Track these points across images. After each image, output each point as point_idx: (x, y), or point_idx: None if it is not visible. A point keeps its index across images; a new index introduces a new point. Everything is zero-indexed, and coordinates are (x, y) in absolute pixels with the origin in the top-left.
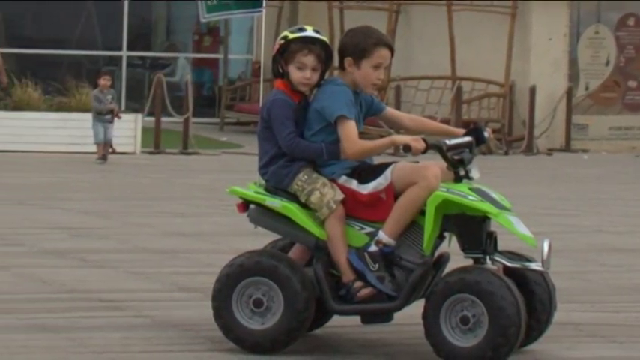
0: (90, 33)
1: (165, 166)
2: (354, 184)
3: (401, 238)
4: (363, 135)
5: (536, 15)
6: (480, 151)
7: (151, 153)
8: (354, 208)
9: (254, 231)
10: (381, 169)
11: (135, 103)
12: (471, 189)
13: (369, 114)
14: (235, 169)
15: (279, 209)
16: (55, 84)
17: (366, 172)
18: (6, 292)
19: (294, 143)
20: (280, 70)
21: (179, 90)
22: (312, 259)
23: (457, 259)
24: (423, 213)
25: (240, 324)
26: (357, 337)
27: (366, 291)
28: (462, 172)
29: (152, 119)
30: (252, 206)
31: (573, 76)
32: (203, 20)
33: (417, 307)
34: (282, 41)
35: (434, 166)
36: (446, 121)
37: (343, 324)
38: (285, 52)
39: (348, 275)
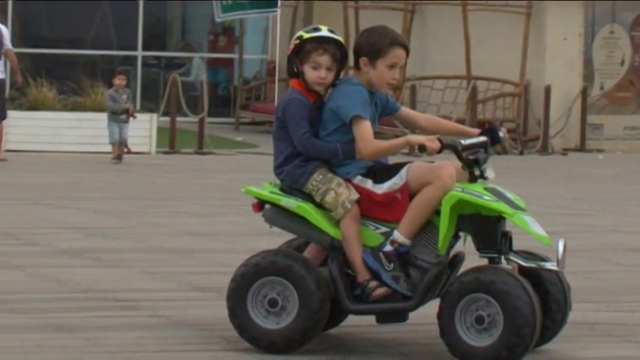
0: (105, 33)
1: (180, 166)
2: (369, 184)
3: (416, 237)
4: (378, 135)
5: (551, 15)
6: (495, 151)
7: (166, 153)
8: (369, 208)
9: (269, 231)
10: (396, 168)
11: (150, 103)
12: (486, 189)
13: (384, 114)
14: (250, 169)
15: (295, 209)
16: (70, 84)
17: (381, 171)
18: (21, 291)
19: (310, 143)
20: (295, 70)
21: (194, 90)
22: (327, 259)
23: (472, 258)
24: (438, 213)
25: (255, 324)
26: (372, 336)
27: (381, 291)
28: (477, 172)
29: (167, 119)
30: (267, 206)
31: (588, 75)
32: (218, 20)
33: (432, 307)
34: (298, 41)
35: (449, 165)
36: (461, 121)
37: (358, 324)
38: (301, 52)
39: (363, 275)
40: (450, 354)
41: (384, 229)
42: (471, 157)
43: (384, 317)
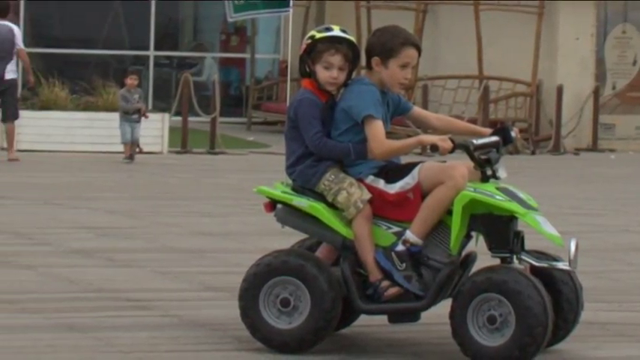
0: (117, 32)
1: (192, 166)
2: (381, 184)
3: (428, 237)
4: (390, 134)
5: (563, 15)
6: (507, 151)
7: (178, 152)
8: (382, 208)
9: (281, 230)
10: (409, 168)
11: (162, 103)
12: (498, 188)
13: (397, 113)
14: (262, 169)
15: (307, 209)
16: (82, 83)
17: (393, 171)
18: (33, 291)
19: (322, 143)
20: (307, 70)
21: (206, 89)
22: (340, 259)
23: (484, 258)
24: (450, 212)
25: (267, 323)
26: (384, 336)
27: (393, 290)
28: (489, 172)
29: (179, 119)
30: (279, 206)
31: (600, 75)
32: (230, 20)
33: (444, 307)
34: (310, 41)
35: (461, 165)
36: (473, 121)
37: (370, 323)
38: (313, 52)
39: (375, 275)
40: (462, 354)
41: (396, 229)
42: (483, 156)
43: (396, 317)
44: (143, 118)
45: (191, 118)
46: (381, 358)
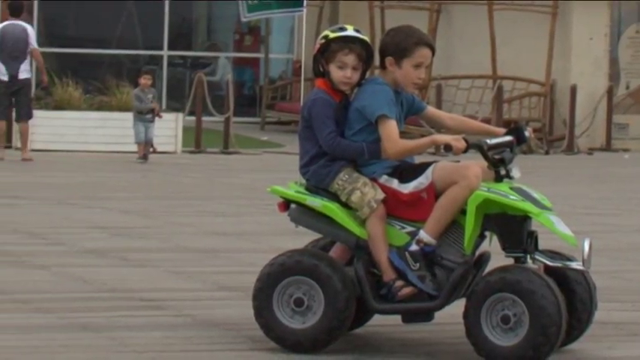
0: (131, 32)
1: (206, 166)
2: (394, 184)
3: (442, 237)
4: (403, 134)
5: (577, 14)
6: (521, 151)
7: (191, 152)
8: (395, 208)
9: (295, 230)
10: (422, 168)
11: (176, 103)
12: (511, 188)
13: (410, 113)
14: (276, 169)
15: (320, 208)
16: (95, 83)
17: (406, 171)
18: (47, 291)
19: (335, 142)
20: (321, 70)
21: (220, 89)
22: (353, 259)
23: (498, 258)
24: (463, 212)
25: (281, 323)
26: (397, 336)
27: (406, 290)
28: (502, 172)
29: (193, 118)
30: (293, 205)
31: (614, 75)
32: (244, 19)
33: (457, 307)
34: (323, 40)
35: (475, 165)
36: (487, 121)
37: (384, 323)
38: (326, 52)
39: (388, 274)
40: (475, 354)
41: (409, 229)
42: (496, 156)
43: (409, 317)
44: (157, 118)
45: (205, 118)
46: (394, 357)
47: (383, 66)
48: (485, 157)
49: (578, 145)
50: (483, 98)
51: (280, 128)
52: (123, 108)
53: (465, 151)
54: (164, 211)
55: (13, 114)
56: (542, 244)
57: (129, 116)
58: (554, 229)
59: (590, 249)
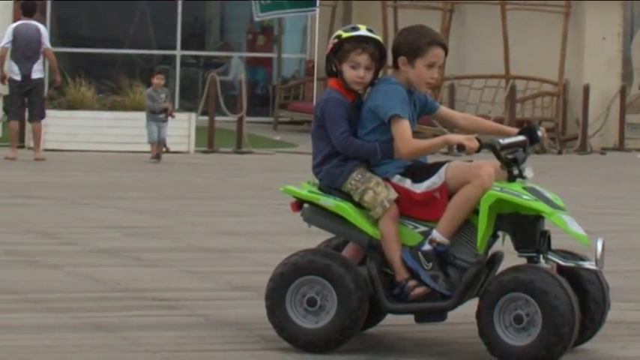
0: (144, 32)
1: (219, 165)
2: (407, 183)
3: (455, 237)
4: (416, 134)
5: (589, 14)
6: (534, 150)
7: (204, 152)
8: (408, 207)
9: (308, 230)
10: (435, 168)
11: (189, 102)
12: (524, 188)
13: (423, 113)
14: (289, 168)
15: (333, 208)
16: (108, 83)
17: (419, 171)
18: (59, 290)
19: (348, 142)
20: (334, 69)
21: (233, 89)
22: (366, 258)
23: (511, 258)
24: (476, 212)
25: (294, 323)
26: (410, 336)
27: (419, 290)
28: (515, 171)
29: (206, 118)
30: (305, 205)
31: (627, 75)
32: (257, 19)
33: (470, 306)
34: (336, 40)
35: (488, 165)
36: (499, 120)
37: (397, 323)
38: (339, 51)
39: (401, 274)
40: (488, 353)
41: (422, 229)
42: (509, 156)
43: (422, 316)
44: (170, 118)
45: (218, 118)
46: (407, 357)
47: (396, 66)
48: (498, 157)
49: (591, 145)
50: (496, 98)
51: (293, 128)
52: (136, 108)
53: (478, 150)
54: (177, 210)
55: (26, 114)
56: (555, 243)
57: (142, 116)
58: (567, 228)
59: (602, 249)
